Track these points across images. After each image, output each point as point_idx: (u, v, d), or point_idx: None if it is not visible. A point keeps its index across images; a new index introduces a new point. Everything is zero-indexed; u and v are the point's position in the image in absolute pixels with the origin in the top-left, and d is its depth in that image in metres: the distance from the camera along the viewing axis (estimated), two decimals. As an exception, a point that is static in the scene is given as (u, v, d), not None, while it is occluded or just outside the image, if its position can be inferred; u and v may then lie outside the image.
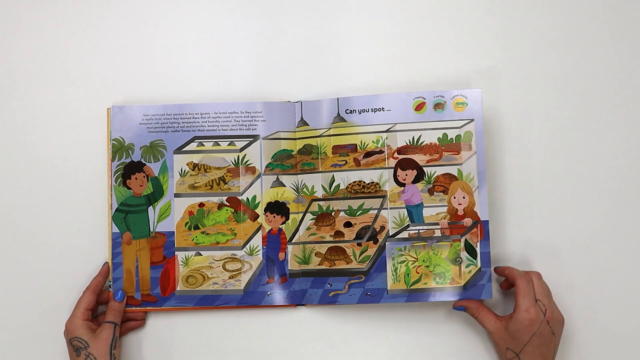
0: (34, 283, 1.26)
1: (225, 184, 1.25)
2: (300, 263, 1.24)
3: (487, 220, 1.20)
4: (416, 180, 1.22)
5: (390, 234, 1.22)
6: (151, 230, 1.24)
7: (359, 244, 1.23)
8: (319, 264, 1.23)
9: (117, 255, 1.23)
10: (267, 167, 1.25)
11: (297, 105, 1.25)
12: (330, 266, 1.23)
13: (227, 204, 1.25)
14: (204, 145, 1.25)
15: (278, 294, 1.24)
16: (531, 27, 1.30)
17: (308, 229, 1.24)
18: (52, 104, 1.28)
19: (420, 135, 1.22)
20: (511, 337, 1.16)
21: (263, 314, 1.26)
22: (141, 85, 1.29)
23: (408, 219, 1.22)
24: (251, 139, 1.25)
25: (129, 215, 1.23)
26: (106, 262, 1.24)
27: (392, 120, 1.23)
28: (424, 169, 1.22)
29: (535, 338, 1.15)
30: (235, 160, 1.25)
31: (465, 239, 1.20)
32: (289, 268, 1.24)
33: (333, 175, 1.24)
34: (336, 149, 1.24)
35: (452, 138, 1.22)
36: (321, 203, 1.24)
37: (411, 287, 1.21)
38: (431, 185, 1.22)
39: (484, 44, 1.30)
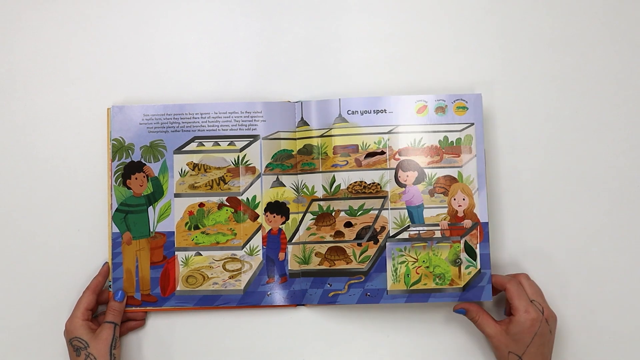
0: (34, 283, 1.26)
1: (225, 184, 1.25)
2: (300, 263, 1.24)
3: (487, 222, 1.21)
4: (417, 181, 1.23)
5: (391, 235, 1.22)
6: (151, 230, 1.24)
7: (359, 244, 1.23)
8: (319, 264, 1.23)
9: (117, 255, 1.23)
10: (267, 167, 1.25)
11: (297, 105, 1.25)
12: (330, 266, 1.23)
13: (227, 204, 1.25)
14: (204, 145, 1.25)
15: (278, 294, 1.24)
16: (532, 29, 1.30)
17: (308, 229, 1.24)
18: (52, 104, 1.28)
19: (422, 138, 1.23)
20: (513, 340, 1.16)
21: (263, 314, 1.26)
22: (141, 85, 1.29)
23: (408, 219, 1.23)
24: (251, 139, 1.25)
25: (129, 215, 1.23)
26: (106, 262, 1.24)
27: (393, 122, 1.23)
28: (425, 170, 1.23)
29: (536, 338, 1.15)
30: (235, 160, 1.25)
31: (465, 241, 1.21)
32: (289, 268, 1.24)
33: (334, 176, 1.24)
34: (337, 149, 1.24)
35: (452, 141, 1.22)
36: (321, 203, 1.24)
37: (411, 288, 1.21)
38: (432, 187, 1.22)
39: (485, 46, 1.30)
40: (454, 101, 1.22)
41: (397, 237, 1.22)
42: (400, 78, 1.30)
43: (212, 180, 1.25)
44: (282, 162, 1.25)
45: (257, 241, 1.25)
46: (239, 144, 1.25)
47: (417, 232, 1.22)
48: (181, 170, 1.24)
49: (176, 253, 1.24)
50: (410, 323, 1.26)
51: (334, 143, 1.24)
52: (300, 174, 1.25)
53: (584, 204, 1.27)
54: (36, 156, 1.27)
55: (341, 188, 1.24)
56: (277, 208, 1.25)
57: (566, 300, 1.26)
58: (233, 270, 1.24)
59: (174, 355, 1.26)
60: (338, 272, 1.23)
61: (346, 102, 1.23)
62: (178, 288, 1.24)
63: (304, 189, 1.25)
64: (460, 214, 1.21)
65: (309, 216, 1.24)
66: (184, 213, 1.24)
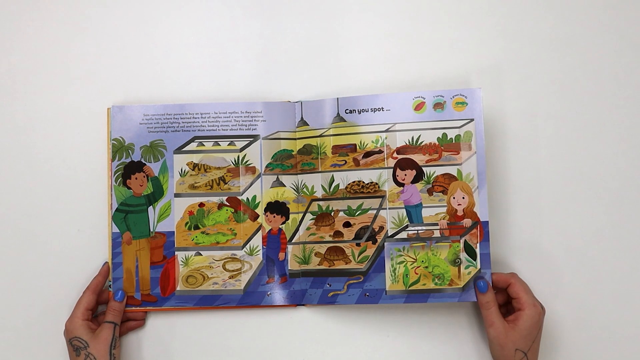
0: (34, 283, 1.26)
1: (225, 183, 1.25)
2: (300, 263, 1.24)
3: (487, 221, 1.20)
4: (415, 180, 1.22)
5: (389, 235, 1.22)
6: (151, 230, 1.24)
7: (358, 244, 1.22)
8: (318, 264, 1.23)
9: (117, 255, 1.23)
10: (267, 167, 1.25)
11: (297, 105, 1.25)
12: (329, 266, 1.22)
13: (227, 204, 1.25)
14: (204, 145, 1.25)
15: (278, 294, 1.23)
16: (531, 26, 1.30)
17: (308, 229, 1.24)
18: (52, 104, 1.29)
19: (420, 135, 1.22)
20: (521, 336, 1.14)
21: (263, 314, 1.26)
22: (141, 85, 1.29)
23: (407, 219, 1.22)
24: (251, 139, 1.25)
25: (129, 215, 1.24)
26: (106, 262, 1.24)
27: (391, 120, 1.22)
28: (424, 169, 1.22)
29: (539, 332, 1.15)
30: (235, 160, 1.25)
31: (465, 240, 1.20)
32: (289, 268, 1.24)
33: (332, 175, 1.23)
34: (336, 148, 1.23)
35: (451, 138, 1.21)
36: (321, 203, 1.24)
37: (410, 288, 1.20)
38: (430, 186, 1.22)
39: (484, 43, 1.30)
40: (453, 97, 1.21)
41: (396, 237, 1.22)
42: (400, 78, 1.29)
43: (212, 180, 1.25)
44: (282, 162, 1.25)
45: (257, 241, 1.25)
46: (239, 143, 1.25)
47: (416, 231, 1.22)
48: (181, 170, 1.24)
49: (176, 253, 1.24)
50: (410, 323, 1.25)
51: (332, 143, 1.24)
52: (300, 174, 1.25)
53: (586, 203, 1.27)
54: (36, 156, 1.28)
55: (340, 188, 1.23)
56: (277, 208, 1.25)
57: (567, 299, 1.25)
58: (233, 270, 1.24)
59: (174, 355, 1.26)
60: (337, 272, 1.22)
61: (344, 101, 1.23)
62: (178, 288, 1.24)
63: (304, 189, 1.25)
64: (460, 213, 1.21)
65: (308, 216, 1.24)
66: (184, 213, 1.24)
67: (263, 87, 1.29)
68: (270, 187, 1.25)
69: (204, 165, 1.25)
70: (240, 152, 1.25)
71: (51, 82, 1.29)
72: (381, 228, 1.22)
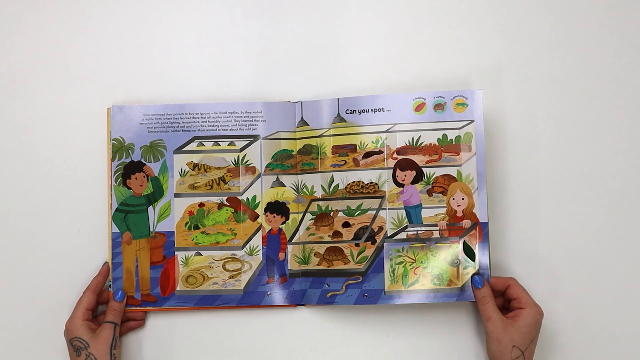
0: (34, 283, 1.26)
1: (225, 183, 1.25)
2: (300, 263, 1.24)
3: (487, 222, 1.20)
4: (415, 181, 1.22)
5: (389, 235, 1.22)
6: (151, 230, 1.24)
7: (357, 245, 1.22)
8: (317, 264, 1.23)
9: (117, 255, 1.23)
10: (267, 167, 1.25)
11: (297, 105, 1.25)
12: (328, 266, 1.22)
13: (227, 204, 1.25)
14: (204, 145, 1.25)
15: (278, 294, 1.23)
16: (532, 26, 1.30)
17: (308, 229, 1.24)
18: (52, 104, 1.29)
19: (420, 136, 1.22)
20: (520, 333, 1.14)
21: (263, 314, 1.26)
22: (141, 85, 1.29)
23: (406, 219, 1.22)
24: (251, 139, 1.25)
25: (129, 215, 1.24)
26: (106, 262, 1.24)
27: (391, 121, 1.22)
28: (423, 169, 1.22)
29: (538, 333, 1.16)
30: (235, 160, 1.25)
31: (464, 241, 1.20)
32: (289, 268, 1.24)
33: (332, 176, 1.23)
34: (336, 149, 1.23)
35: (451, 139, 1.21)
36: (320, 203, 1.24)
37: (408, 288, 1.21)
38: (430, 186, 1.22)
39: (484, 44, 1.30)
40: (453, 98, 1.21)
41: (395, 237, 1.22)
42: (401, 78, 1.29)
43: (212, 180, 1.25)
44: (282, 162, 1.25)
45: (257, 241, 1.25)
46: (239, 143, 1.25)
47: (415, 232, 1.22)
48: (181, 170, 1.24)
49: (176, 253, 1.24)
50: (409, 323, 1.25)
51: (332, 143, 1.23)
52: (300, 174, 1.25)
53: (586, 204, 1.27)
54: (36, 156, 1.28)
55: (339, 188, 1.23)
56: (277, 208, 1.25)
57: (563, 299, 1.25)
58: (233, 270, 1.24)
59: (174, 355, 1.26)
60: (336, 273, 1.22)
61: (344, 102, 1.23)
62: (178, 288, 1.24)
63: (304, 189, 1.25)
64: (459, 214, 1.21)
65: (308, 216, 1.24)
66: (184, 213, 1.24)
67: (263, 87, 1.29)
68: (270, 187, 1.25)
69: (204, 165, 1.25)
70: (240, 152, 1.25)
71: (51, 82, 1.29)
72: (380, 228, 1.22)
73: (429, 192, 1.22)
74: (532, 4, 1.30)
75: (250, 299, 1.23)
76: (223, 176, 1.25)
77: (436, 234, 1.21)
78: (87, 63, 1.29)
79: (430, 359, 1.25)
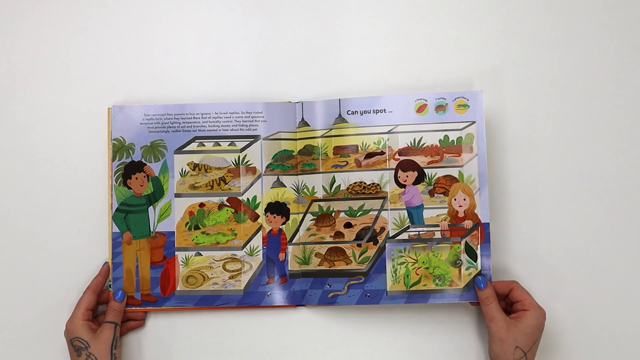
0: (34, 283, 1.26)
1: (226, 184, 1.25)
2: (301, 263, 1.24)
3: (488, 223, 1.20)
4: (417, 181, 1.22)
5: (390, 235, 1.22)
6: (151, 230, 1.24)
7: (359, 245, 1.22)
8: (318, 265, 1.23)
9: (117, 255, 1.23)
10: (267, 167, 1.25)
11: (298, 105, 1.25)
12: (330, 267, 1.22)
13: (228, 204, 1.25)
14: (204, 146, 1.25)
15: (278, 295, 1.23)
16: (532, 27, 1.30)
17: (308, 229, 1.24)
18: (52, 104, 1.28)
19: (422, 137, 1.22)
20: (523, 333, 1.14)
21: (263, 314, 1.26)
22: (142, 85, 1.29)
23: (408, 220, 1.22)
24: (252, 139, 1.25)
25: (129, 215, 1.23)
26: (106, 262, 1.24)
27: (393, 122, 1.23)
28: (425, 170, 1.22)
29: (540, 336, 1.16)
30: (235, 161, 1.25)
31: (466, 242, 1.20)
32: (289, 268, 1.24)
33: (334, 176, 1.23)
34: (337, 149, 1.23)
35: (453, 140, 1.22)
36: (321, 204, 1.24)
37: (410, 289, 1.21)
38: (432, 187, 1.22)
39: (486, 45, 1.30)
40: (455, 99, 1.22)
41: (397, 237, 1.22)
42: (401, 79, 1.29)
43: (212, 180, 1.25)
44: (283, 163, 1.25)
45: (258, 241, 1.25)
46: (240, 144, 1.25)
47: (417, 232, 1.22)
48: (182, 170, 1.24)
49: (176, 253, 1.24)
50: (410, 324, 1.25)
51: (334, 144, 1.24)
52: (300, 174, 1.25)
53: (587, 204, 1.27)
54: (36, 156, 1.28)
55: (341, 189, 1.23)
56: (278, 208, 1.25)
57: (564, 299, 1.25)
58: (233, 271, 1.24)
59: (174, 355, 1.26)
60: (338, 273, 1.22)
61: (346, 102, 1.23)
62: (178, 288, 1.24)
63: (305, 190, 1.25)
64: (461, 215, 1.21)
65: (309, 217, 1.24)
66: (184, 213, 1.24)
67: (263, 88, 1.29)
68: (271, 188, 1.25)
69: (204, 165, 1.24)
70: (241, 152, 1.25)
71: (51, 82, 1.29)
72: (382, 229, 1.22)
73: (431, 193, 1.22)
74: (532, 4, 1.30)
75: (250, 299, 1.23)
76: (223, 176, 1.25)
77: (438, 235, 1.21)
78: (87, 63, 1.29)
79: (431, 359, 1.25)
